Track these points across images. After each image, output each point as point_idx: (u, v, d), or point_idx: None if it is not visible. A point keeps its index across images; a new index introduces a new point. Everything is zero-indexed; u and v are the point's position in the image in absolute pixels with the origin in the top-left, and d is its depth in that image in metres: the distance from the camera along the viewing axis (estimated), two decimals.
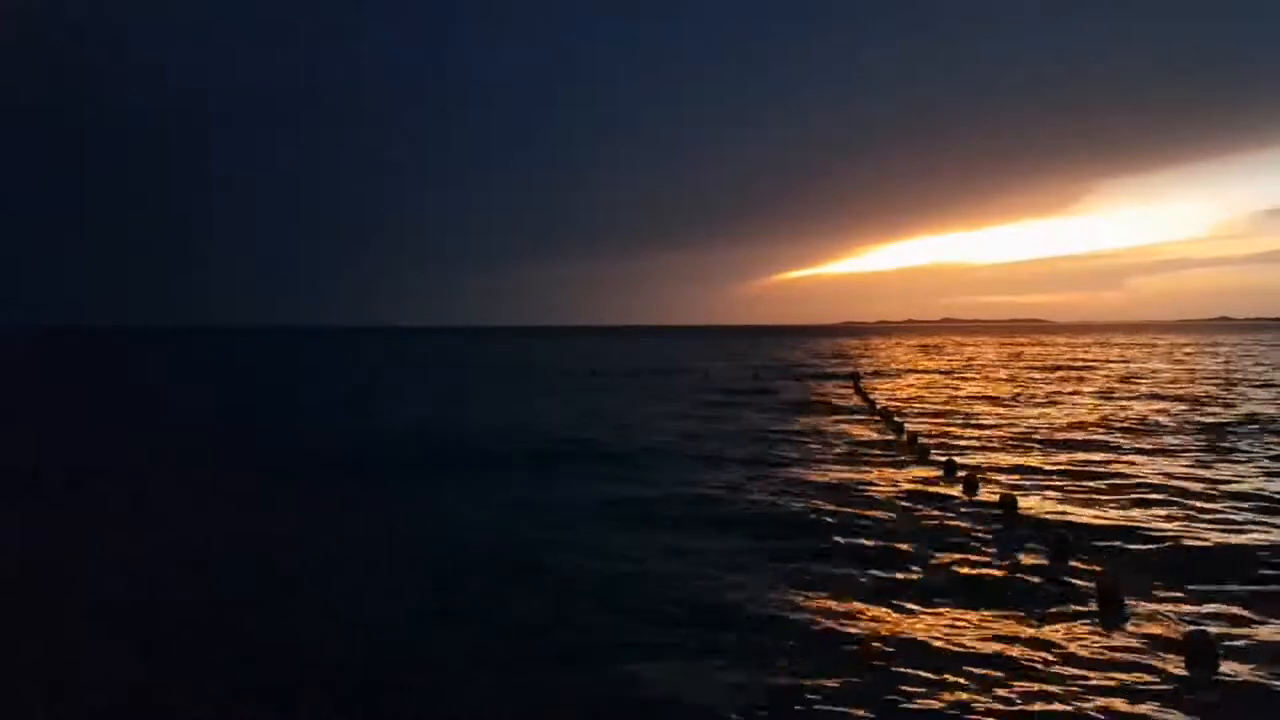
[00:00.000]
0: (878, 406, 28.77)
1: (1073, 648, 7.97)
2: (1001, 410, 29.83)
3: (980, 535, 12.12)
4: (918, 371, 55.19)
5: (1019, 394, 36.53)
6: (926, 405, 32.12)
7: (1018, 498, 13.43)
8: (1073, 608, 9.07)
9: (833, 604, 9.25)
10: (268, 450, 21.64)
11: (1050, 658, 7.77)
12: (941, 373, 53.35)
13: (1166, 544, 11.69)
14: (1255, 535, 12.13)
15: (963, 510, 13.67)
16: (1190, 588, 9.65)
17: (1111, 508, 14.04)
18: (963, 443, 21.56)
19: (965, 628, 8.58)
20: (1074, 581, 9.87)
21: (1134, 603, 9.09)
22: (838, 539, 12.00)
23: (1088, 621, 8.69)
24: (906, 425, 22.35)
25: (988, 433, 23.72)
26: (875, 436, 22.69)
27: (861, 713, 6.72)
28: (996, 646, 8.04)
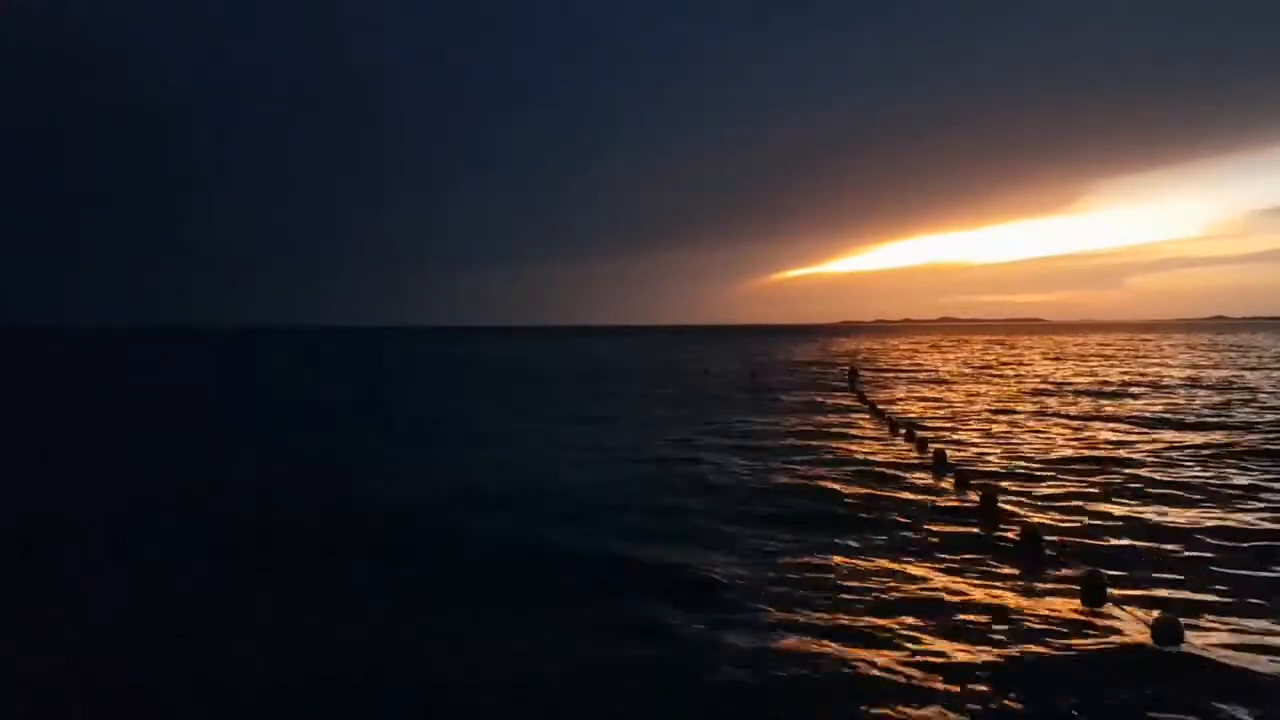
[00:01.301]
0: (898, 422, 24.64)
1: None
2: (1042, 424, 24.99)
3: None
4: (923, 372, 54.92)
5: (1055, 404, 30.98)
6: (948, 418, 27.98)
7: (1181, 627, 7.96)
8: None
9: None
10: (268, 456, 21.51)
11: None
12: (952, 374, 52.37)
13: None
14: None
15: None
16: None
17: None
18: (1029, 485, 15.69)
19: None
20: None
21: None
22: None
23: None
24: (956, 467, 17.01)
25: (1043, 456, 18.86)
26: (901, 459, 18.63)
27: None
28: None
